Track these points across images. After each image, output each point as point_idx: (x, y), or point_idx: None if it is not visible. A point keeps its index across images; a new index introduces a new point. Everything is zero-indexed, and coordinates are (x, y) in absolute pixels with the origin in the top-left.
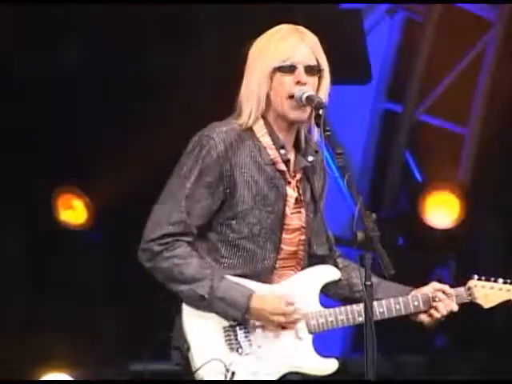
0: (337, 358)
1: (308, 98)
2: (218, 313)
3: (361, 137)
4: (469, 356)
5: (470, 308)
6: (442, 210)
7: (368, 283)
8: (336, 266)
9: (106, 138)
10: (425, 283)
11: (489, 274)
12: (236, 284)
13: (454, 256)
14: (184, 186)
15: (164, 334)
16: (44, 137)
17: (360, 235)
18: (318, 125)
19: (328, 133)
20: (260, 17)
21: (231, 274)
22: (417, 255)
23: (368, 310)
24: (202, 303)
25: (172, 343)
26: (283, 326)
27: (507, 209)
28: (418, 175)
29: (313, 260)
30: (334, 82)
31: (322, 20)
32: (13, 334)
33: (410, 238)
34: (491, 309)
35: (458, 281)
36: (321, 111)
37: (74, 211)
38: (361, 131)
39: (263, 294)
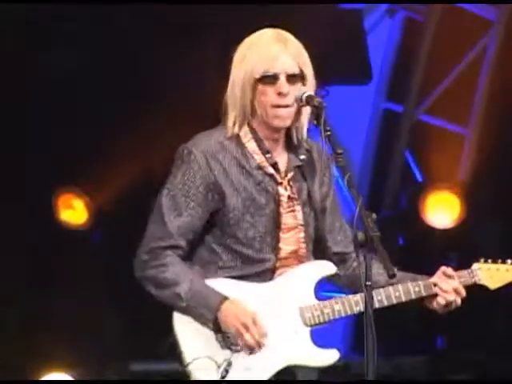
0: (338, 349)
1: (308, 97)
2: (193, 315)
3: (361, 137)
4: (468, 357)
5: (469, 308)
6: (442, 210)
7: (368, 283)
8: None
9: (106, 137)
10: None
11: None
12: (213, 289)
13: (454, 256)
14: (169, 200)
15: (164, 335)
16: (44, 137)
17: (360, 235)
18: (318, 125)
19: (328, 133)
20: (260, 17)
21: (231, 276)
22: (417, 255)
23: (368, 311)
24: (180, 303)
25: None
26: (245, 344)
27: (507, 209)
28: (418, 175)
29: (330, 258)
30: (335, 81)
31: (322, 20)
32: (13, 334)
33: (410, 237)
34: (486, 308)
35: None
36: (320, 111)
37: (74, 211)
38: (361, 131)
39: (236, 303)
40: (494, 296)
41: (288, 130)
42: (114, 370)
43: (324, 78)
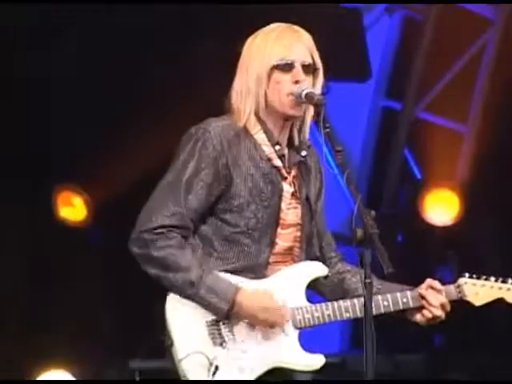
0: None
1: (308, 94)
2: (203, 303)
3: (360, 134)
4: (467, 355)
5: (469, 307)
6: (441, 208)
7: (368, 281)
8: (337, 269)
9: (105, 135)
10: (424, 280)
11: (488, 272)
12: (224, 277)
13: (453, 253)
14: (180, 178)
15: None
16: (44, 136)
17: (359, 233)
18: (317, 122)
19: (327, 130)
20: (260, 17)
21: (223, 268)
22: (416, 253)
23: (368, 309)
24: (190, 290)
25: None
26: (271, 325)
27: (506, 206)
28: (417, 173)
29: (325, 260)
30: (334, 79)
31: (321, 18)
32: (13, 334)
33: (409, 235)
34: (486, 307)
35: (457, 278)
36: (320, 108)
37: (73, 208)
38: (360, 128)
39: (250, 290)
40: None
41: (290, 131)
42: (114, 367)
43: (323, 75)
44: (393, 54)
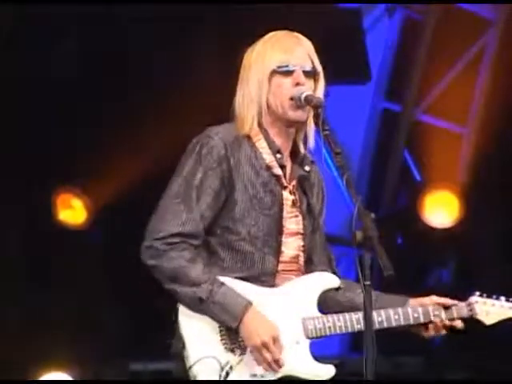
0: (334, 364)
1: (307, 97)
2: (213, 317)
3: (360, 136)
4: (467, 356)
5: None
6: (441, 210)
7: (367, 283)
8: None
9: (104, 137)
10: (424, 282)
11: (487, 274)
12: (234, 292)
13: (453, 255)
14: (190, 185)
15: (164, 336)
16: (44, 137)
17: (359, 235)
18: (316, 124)
19: (327, 132)
20: (260, 17)
21: (231, 277)
22: (416, 255)
23: (367, 310)
24: (200, 306)
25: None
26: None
27: (506, 208)
28: (416, 175)
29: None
30: (334, 82)
31: (321, 19)
32: (13, 334)
33: (409, 237)
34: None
35: (457, 280)
36: (319, 110)
37: (73, 211)
38: (360, 131)
39: (261, 312)
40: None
41: (294, 142)
42: (114, 369)
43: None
44: (393, 55)
